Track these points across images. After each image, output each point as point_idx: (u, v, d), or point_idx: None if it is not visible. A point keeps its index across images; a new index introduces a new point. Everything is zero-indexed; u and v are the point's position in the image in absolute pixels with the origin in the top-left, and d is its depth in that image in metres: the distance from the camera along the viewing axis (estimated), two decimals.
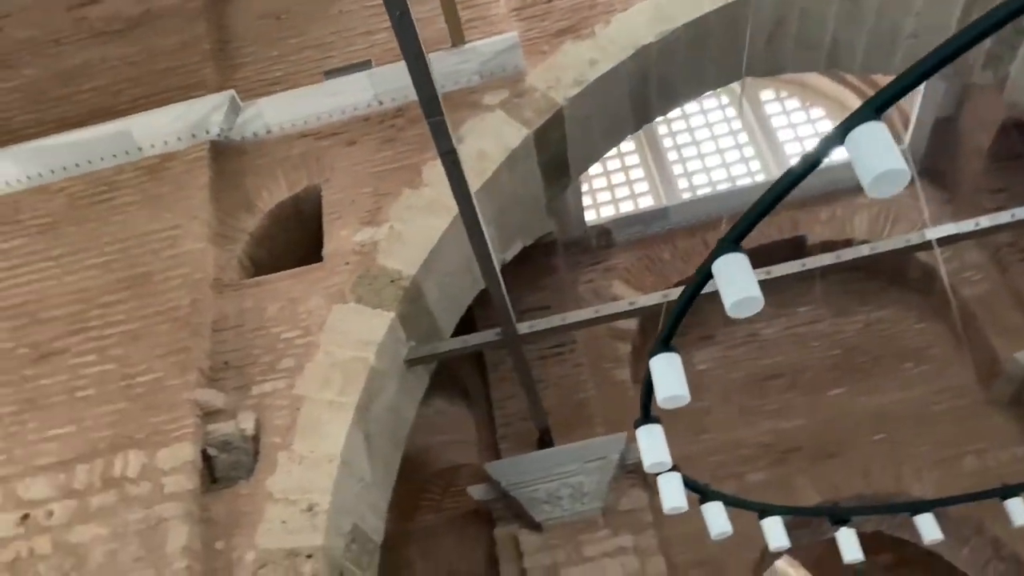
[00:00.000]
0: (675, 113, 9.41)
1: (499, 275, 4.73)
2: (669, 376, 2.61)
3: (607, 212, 9.15)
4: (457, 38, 6.03)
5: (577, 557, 6.36)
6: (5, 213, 5.98)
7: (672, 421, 7.45)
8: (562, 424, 7.02)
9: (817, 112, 9.69)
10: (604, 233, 8.25)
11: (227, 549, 4.44)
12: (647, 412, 3.20)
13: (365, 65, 6.22)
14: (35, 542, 4.48)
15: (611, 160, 9.54)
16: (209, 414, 4.82)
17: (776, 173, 8.73)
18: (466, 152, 5.64)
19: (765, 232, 8.09)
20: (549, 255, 7.72)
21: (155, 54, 6.66)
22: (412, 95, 4.05)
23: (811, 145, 9.51)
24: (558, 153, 6.16)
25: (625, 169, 9.58)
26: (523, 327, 5.37)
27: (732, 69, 6.50)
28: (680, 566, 6.74)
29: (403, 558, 7.29)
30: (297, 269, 5.45)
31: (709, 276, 2.35)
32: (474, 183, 5.48)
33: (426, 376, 5.73)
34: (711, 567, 6.93)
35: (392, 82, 5.97)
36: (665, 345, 2.71)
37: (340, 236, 5.53)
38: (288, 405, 4.85)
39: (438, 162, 5.31)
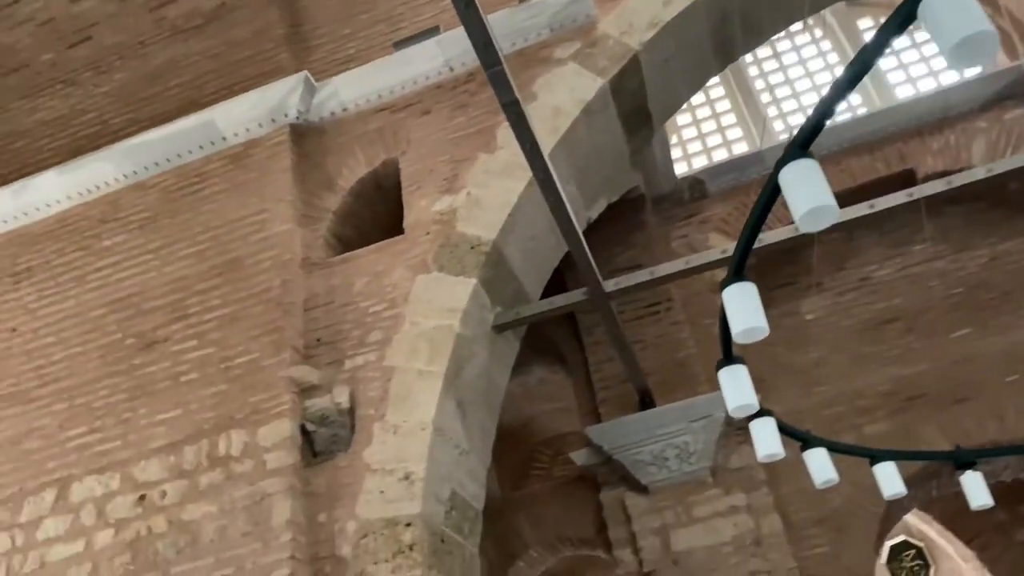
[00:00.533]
0: (765, 51, 8.92)
1: (578, 229, 4.57)
2: (744, 307, 2.37)
3: (700, 164, 8.78)
4: None
5: (687, 518, 6.17)
6: (107, 211, 6.25)
7: (781, 375, 7.15)
8: (663, 384, 6.81)
9: (923, 35, 8.96)
10: (697, 184, 7.91)
11: (329, 521, 4.51)
12: (728, 351, 2.98)
13: (433, 32, 6.14)
14: (152, 521, 4.68)
15: (700, 108, 9.15)
16: (305, 390, 4.90)
17: (880, 105, 8.14)
18: (540, 109, 5.51)
19: (870, 167, 7.58)
20: (639, 211, 7.47)
21: (233, 45, 6.79)
22: None
23: (917, 72, 8.86)
24: (638, 102, 5.90)
25: (716, 116, 9.16)
26: (609, 285, 5.19)
27: None
28: (798, 524, 6.44)
29: (511, 527, 7.29)
30: (380, 243, 5.45)
31: (778, 190, 2.10)
32: (550, 140, 5.35)
33: (516, 342, 5.64)
34: (832, 524, 6.60)
35: (460, 46, 5.84)
36: (737, 274, 2.47)
37: (420, 206, 5.49)
38: (379, 377, 4.87)
39: None
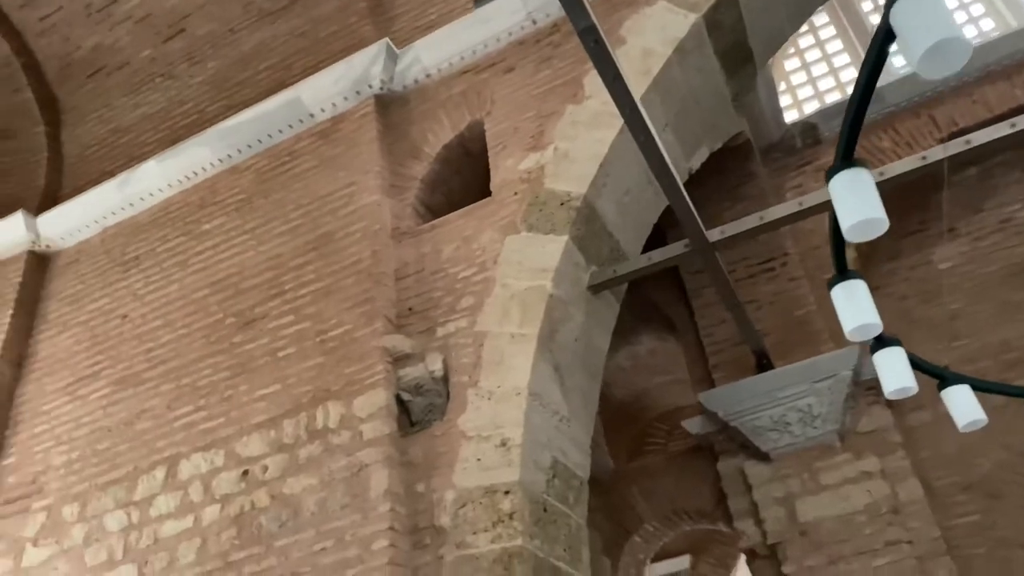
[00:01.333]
0: None
1: (672, 169, 4.20)
2: (857, 197, 1.93)
3: (812, 109, 8.14)
4: None
5: (814, 486, 5.69)
6: (205, 196, 6.35)
7: (915, 330, 6.52)
8: (782, 345, 6.32)
9: None
10: (809, 129, 7.31)
11: (427, 491, 4.36)
12: (841, 263, 2.55)
13: None
14: (255, 496, 4.67)
15: (809, 51, 8.49)
16: (399, 360, 4.77)
17: (1016, 25, 7.28)
18: (629, 52, 5.18)
19: (1008, 95, 6.80)
20: (747, 161, 6.96)
21: (318, 22, 6.76)
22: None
23: None
24: (736, 38, 5.46)
25: (826, 57, 8.47)
26: (714, 233, 4.80)
27: None
28: (941, 491, 5.83)
29: (625, 500, 6.99)
30: (468, 207, 5.26)
31: (891, 34, 1.70)
32: (641, 84, 5.01)
33: (616, 303, 5.34)
34: (983, 491, 5.94)
35: None
36: (846, 160, 2.04)
37: (506, 167, 5.26)
38: (472, 343, 4.68)
39: None
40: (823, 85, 8.28)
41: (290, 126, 6.21)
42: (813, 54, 8.50)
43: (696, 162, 5.81)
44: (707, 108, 5.65)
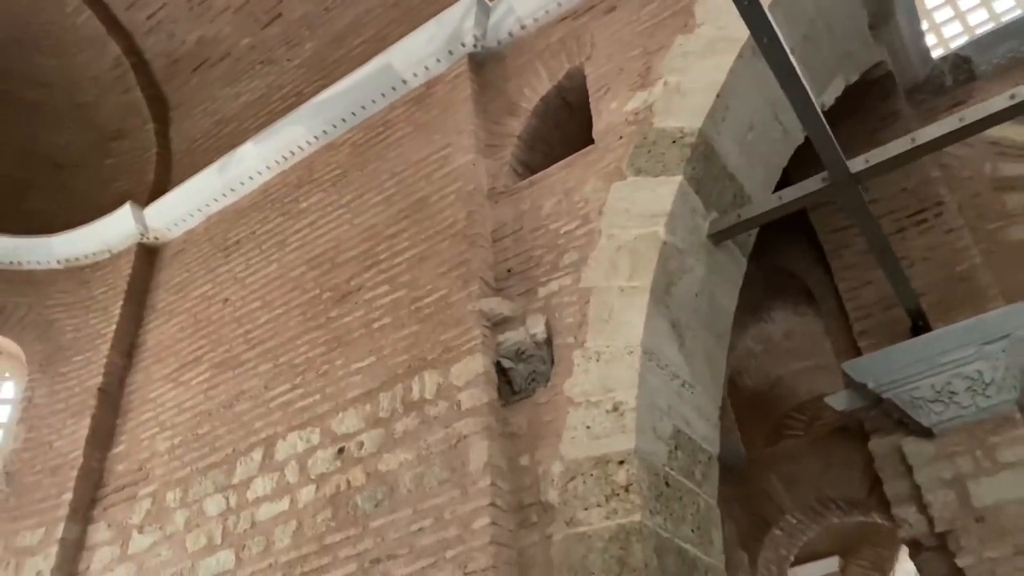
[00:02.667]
0: None
1: (803, 81, 3.56)
2: None
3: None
4: None
5: (990, 465, 4.81)
6: (303, 175, 6.16)
7: None
8: (941, 305, 5.46)
9: None
10: (960, 63, 6.37)
11: (532, 464, 3.89)
12: None
13: None
14: (351, 474, 4.35)
15: None
16: (497, 324, 4.35)
17: None
18: None
19: None
20: (888, 98, 6.13)
21: None
22: None
23: None
24: None
25: None
26: (857, 163, 4.11)
27: None
28: None
29: (762, 489, 6.26)
30: (568, 158, 4.78)
31: None
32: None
33: (742, 257, 4.71)
34: None
35: None
36: None
37: (610, 110, 4.75)
38: (576, 301, 4.19)
39: None
40: (974, 19, 7.26)
41: (383, 95, 5.94)
42: None
43: (830, 96, 5.11)
44: (840, 33, 4.96)
